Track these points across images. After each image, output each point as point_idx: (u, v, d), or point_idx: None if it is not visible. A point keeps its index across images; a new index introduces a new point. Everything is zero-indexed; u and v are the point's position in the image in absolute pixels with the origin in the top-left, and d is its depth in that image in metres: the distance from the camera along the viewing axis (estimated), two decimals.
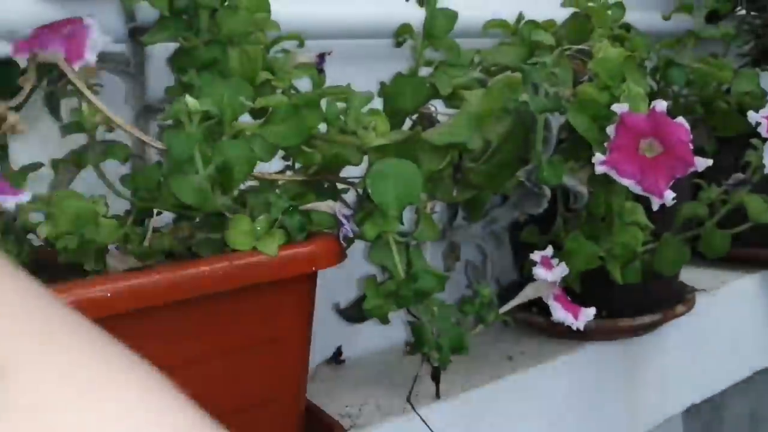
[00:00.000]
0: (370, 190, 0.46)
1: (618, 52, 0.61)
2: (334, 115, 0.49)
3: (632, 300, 0.70)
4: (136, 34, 0.54)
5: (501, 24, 0.64)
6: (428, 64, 0.60)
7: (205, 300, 0.42)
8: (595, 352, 0.72)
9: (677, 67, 0.71)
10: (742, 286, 0.89)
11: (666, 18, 0.76)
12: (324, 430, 0.51)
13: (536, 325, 0.74)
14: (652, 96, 0.76)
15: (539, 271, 0.51)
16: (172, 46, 0.53)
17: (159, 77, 0.56)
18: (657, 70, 0.76)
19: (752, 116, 0.52)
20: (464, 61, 0.63)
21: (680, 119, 0.49)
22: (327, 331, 0.73)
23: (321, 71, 0.52)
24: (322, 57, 0.52)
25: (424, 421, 0.58)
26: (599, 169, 0.48)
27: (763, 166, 0.55)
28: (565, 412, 0.69)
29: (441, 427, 0.60)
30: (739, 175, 0.58)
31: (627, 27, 0.70)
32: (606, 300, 0.70)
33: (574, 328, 0.52)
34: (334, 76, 0.56)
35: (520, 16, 0.65)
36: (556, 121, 0.54)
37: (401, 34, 0.57)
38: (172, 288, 0.40)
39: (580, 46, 0.63)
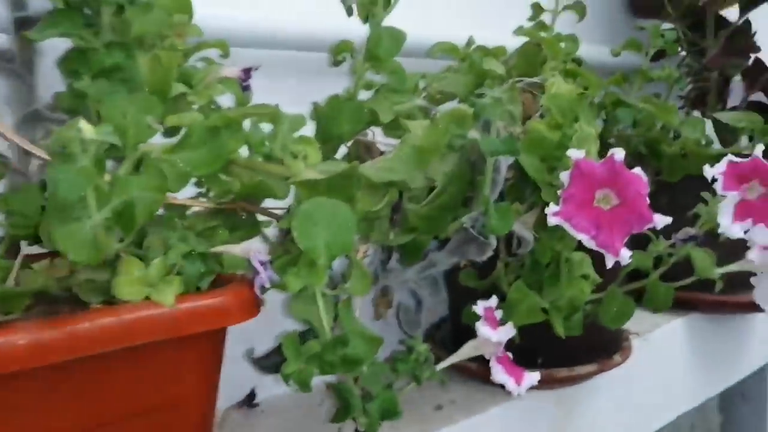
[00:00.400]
0: (296, 235, 0.39)
1: (571, 89, 0.57)
2: (258, 140, 0.43)
3: (571, 349, 0.66)
4: (24, 27, 0.45)
5: (450, 48, 0.59)
6: (368, 86, 0.54)
7: (84, 362, 0.34)
8: (528, 402, 0.67)
9: (625, 106, 0.69)
10: (672, 329, 0.87)
11: (616, 54, 0.74)
12: None
13: (467, 370, 0.69)
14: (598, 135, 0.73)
15: (484, 330, 0.46)
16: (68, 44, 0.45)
17: (52, 78, 0.48)
18: (603, 107, 0.73)
19: (708, 171, 0.49)
20: (408, 86, 0.57)
21: (638, 170, 0.45)
22: (239, 370, 0.66)
23: (246, 88, 0.45)
24: (248, 72, 0.45)
25: None
26: (552, 221, 0.44)
27: (712, 221, 0.52)
28: None
29: None
30: (689, 230, 0.55)
31: (579, 61, 0.67)
32: (543, 347, 0.66)
33: (515, 394, 0.47)
34: (258, 91, 0.49)
35: (470, 41, 0.61)
36: (506, 161, 0.49)
37: (340, 52, 0.51)
38: (38, 351, 0.32)
39: (531, 79, 0.59)
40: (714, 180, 0.49)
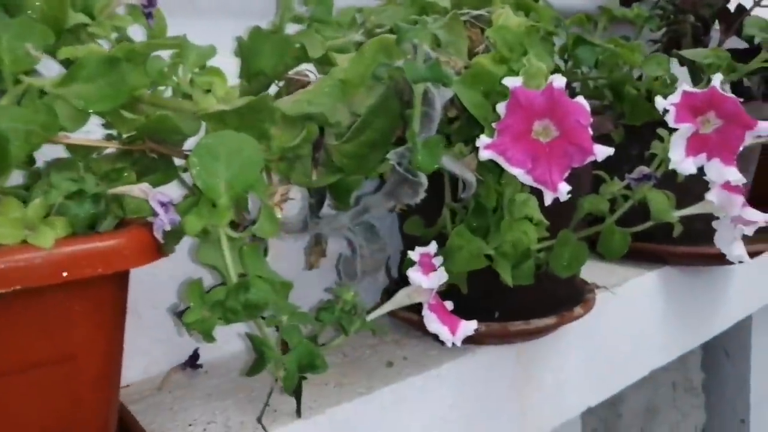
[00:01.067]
0: (194, 172, 0.36)
1: (520, 21, 0.53)
2: (158, 72, 0.39)
3: (528, 301, 0.63)
4: None
5: None
6: (297, 20, 0.50)
7: None
8: (485, 357, 0.65)
9: (587, 45, 0.64)
10: (643, 283, 0.84)
11: None
12: None
13: (421, 326, 0.66)
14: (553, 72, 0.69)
15: (415, 276, 0.43)
16: None
17: None
18: (566, 50, 0.69)
19: (660, 102, 0.45)
20: (343, 19, 0.53)
21: (580, 99, 0.41)
22: (184, 332, 0.63)
23: (149, 16, 0.41)
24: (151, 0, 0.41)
25: None
26: (484, 155, 0.40)
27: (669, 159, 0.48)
28: (451, 423, 0.62)
29: None
30: (643, 169, 0.51)
31: None
32: (498, 300, 0.63)
33: (449, 344, 0.44)
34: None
35: None
36: (442, 95, 0.46)
37: None
38: None
39: (478, 12, 0.55)
40: (666, 111, 0.45)
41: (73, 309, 0.35)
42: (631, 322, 0.83)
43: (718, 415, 1.50)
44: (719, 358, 1.52)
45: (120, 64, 0.39)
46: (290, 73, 0.51)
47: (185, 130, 0.40)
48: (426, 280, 0.42)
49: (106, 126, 0.44)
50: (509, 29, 0.51)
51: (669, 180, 0.55)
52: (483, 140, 0.40)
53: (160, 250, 0.37)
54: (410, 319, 0.63)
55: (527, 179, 0.40)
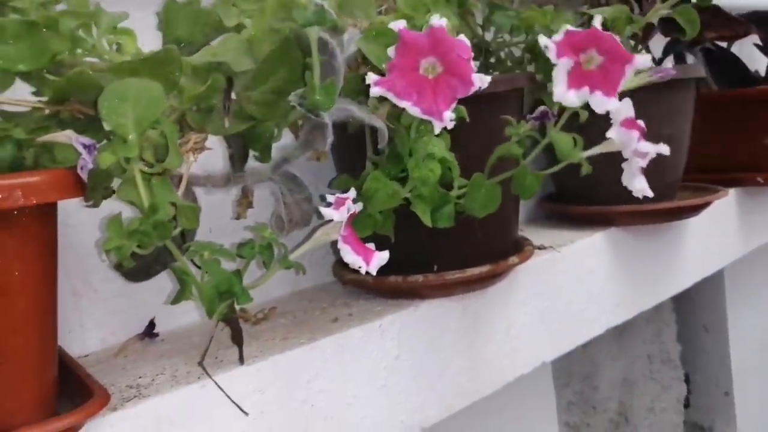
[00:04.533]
0: (103, 113, 0.40)
1: None
2: (71, 34, 0.43)
3: (465, 253, 0.67)
4: None
5: None
6: None
7: None
8: (429, 310, 0.68)
9: (501, 10, 0.69)
10: (590, 243, 0.88)
11: None
12: (84, 398, 0.44)
13: (365, 285, 0.70)
14: (479, 45, 0.74)
15: (327, 211, 0.47)
16: None
17: None
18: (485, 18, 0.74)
19: (542, 40, 0.49)
20: None
21: (461, 37, 0.45)
22: (143, 303, 0.67)
23: None
24: None
25: (219, 386, 0.52)
26: (374, 91, 0.44)
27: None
28: (399, 373, 0.65)
29: (246, 393, 0.54)
30: (542, 108, 0.55)
31: None
32: (436, 254, 0.67)
33: (363, 272, 0.47)
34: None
35: None
36: (344, 49, 0.50)
37: None
38: None
39: None
40: (546, 48, 0.49)
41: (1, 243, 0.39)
42: (581, 281, 0.86)
43: (701, 388, 1.52)
44: (698, 332, 1.54)
45: (39, 29, 0.43)
46: None
47: (105, 85, 0.44)
48: (336, 213, 0.46)
49: (36, 93, 0.48)
50: None
51: (577, 124, 0.59)
52: (372, 77, 0.44)
53: (83, 190, 0.41)
54: (360, 281, 0.66)
55: (415, 111, 0.44)
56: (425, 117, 0.45)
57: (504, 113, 0.67)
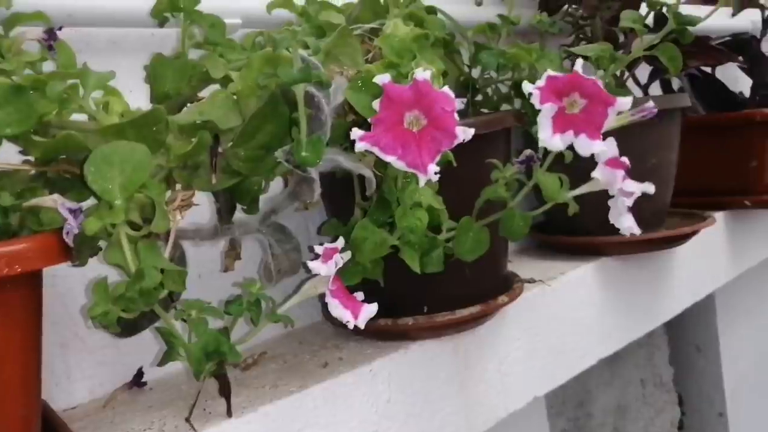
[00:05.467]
0: (89, 178, 0.40)
1: (408, 30, 0.58)
2: (58, 96, 0.43)
3: (454, 294, 0.67)
4: None
5: (284, 3, 0.59)
6: (199, 45, 0.55)
7: None
8: (420, 352, 0.68)
9: (486, 50, 0.70)
10: (580, 274, 0.88)
11: (478, 4, 0.75)
12: None
13: (356, 328, 0.69)
14: (467, 83, 0.74)
15: (314, 265, 0.46)
16: None
17: None
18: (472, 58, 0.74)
19: (526, 86, 0.50)
20: (246, 43, 0.58)
21: (445, 89, 0.46)
22: (131, 351, 0.66)
23: (50, 48, 0.46)
24: (51, 33, 0.46)
25: None
26: (359, 146, 0.44)
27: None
28: (390, 418, 0.65)
29: None
30: (527, 151, 0.55)
31: (432, 10, 0.68)
32: (426, 295, 0.67)
33: (350, 327, 0.47)
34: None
35: None
36: (334, 99, 0.50)
37: (160, 11, 0.52)
38: None
39: (371, 25, 0.60)
40: (530, 95, 0.49)
41: None
42: (571, 313, 0.86)
43: (695, 410, 1.52)
44: (690, 354, 1.54)
45: (26, 92, 0.43)
46: None
47: (91, 147, 0.44)
48: (324, 267, 0.46)
49: (23, 153, 0.48)
50: (396, 37, 0.56)
51: (562, 163, 0.59)
52: (356, 133, 0.44)
53: (69, 254, 0.40)
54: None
55: (400, 165, 0.44)
56: (410, 170, 0.45)
57: (492, 152, 0.68)
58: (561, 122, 0.49)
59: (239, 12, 0.70)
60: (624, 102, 0.50)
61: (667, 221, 1.00)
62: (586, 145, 0.50)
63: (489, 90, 0.77)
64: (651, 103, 0.55)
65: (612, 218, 0.58)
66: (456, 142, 0.45)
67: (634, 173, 0.88)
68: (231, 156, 0.46)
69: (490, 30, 0.74)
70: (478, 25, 0.74)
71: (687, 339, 1.53)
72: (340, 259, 0.47)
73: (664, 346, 1.44)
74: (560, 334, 0.84)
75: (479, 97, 0.76)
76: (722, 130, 1.17)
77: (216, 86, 0.55)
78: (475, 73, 0.76)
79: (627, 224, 0.57)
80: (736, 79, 1.31)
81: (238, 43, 0.57)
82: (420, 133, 0.45)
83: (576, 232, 0.93)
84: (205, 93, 0.56)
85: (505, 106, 0.78)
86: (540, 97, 0.49)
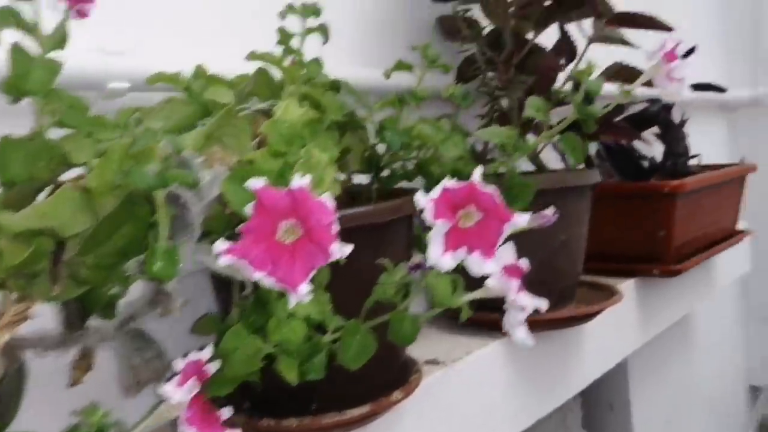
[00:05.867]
0: None
1: (301, 113, 0.54)
2: None
3: (345, 390, 0.62)
4: None
5: (168, 78, 0.54)
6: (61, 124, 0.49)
7: None
8: None
9: (391, 129, 0.67)
10: (487, 354, 0.85)
11: (387, 76, 0.72)
12: None
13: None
14: (372, 159, 0.71)
15: (165, 389, 0.41)
16: None
17: None
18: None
19: (419, 200, 0.46)
20: (122, 120, 0.52)
21: (324, 197, 0.42)
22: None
23: None
24: None
25: None
26: (223, 260, 0.40)
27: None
28: None
29: None
30: (418, 258, 0.52)
31: (335, 85, 0.64)
32: (314, 392, 0.62)
33: None
34: None
35: (198, 70, 0.57)
36: (206, 193, 0.45)
37: (11, 87, 0.46)
38: None
39: (261, 105, 0.56)
40: (422, 210, 0.46)
41: None
42: (476, 395, 0.83)
43: None
44: (603, 413, 1.55)
45: None
46: None
47: None
48: (178, 393, 0.40)
49: None
50: (284, 122, 0.52)
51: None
52: (219, 246, 0.40)
53: None
54: (230, 422, 0.60)
55: (270, 282, 0.40)
56: (280, 287, 0.40)
57: (393, 240, 0.64)
58: (454, 238, 0.46)
59: (126, 74, 0.65)
60: (521, 219, 0.47)
61: (578, 290, 0.99)
62: (478, 264, 0.47)
63: (396, 166, 0.74)
64: (550, 211, 0.52)
65: (505, 327, 0.55)
66: (330, 260, 0.41)
67: (544, 251, 0.87)
68: (77, 264, 0.41)
69: (398, 103, 0.71)
70: (388, 99, 0.71)
71: (600, 398, 1.53)
72: (208, 370, 0.42)
73: (577, 409, 1.44)
74: (464, 416, 0.81)
75: (385, 174, 0.72)
76: (632, 198, 1.19)
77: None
78: (381, 148, 0.72)
79: (520, 336, 0.54)
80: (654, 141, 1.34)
81: (110, 121, 0.51)
82: (295, 245, 0.41)
83: (484, 307, 0.90)
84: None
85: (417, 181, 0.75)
86: (433, 212, 0.45)
